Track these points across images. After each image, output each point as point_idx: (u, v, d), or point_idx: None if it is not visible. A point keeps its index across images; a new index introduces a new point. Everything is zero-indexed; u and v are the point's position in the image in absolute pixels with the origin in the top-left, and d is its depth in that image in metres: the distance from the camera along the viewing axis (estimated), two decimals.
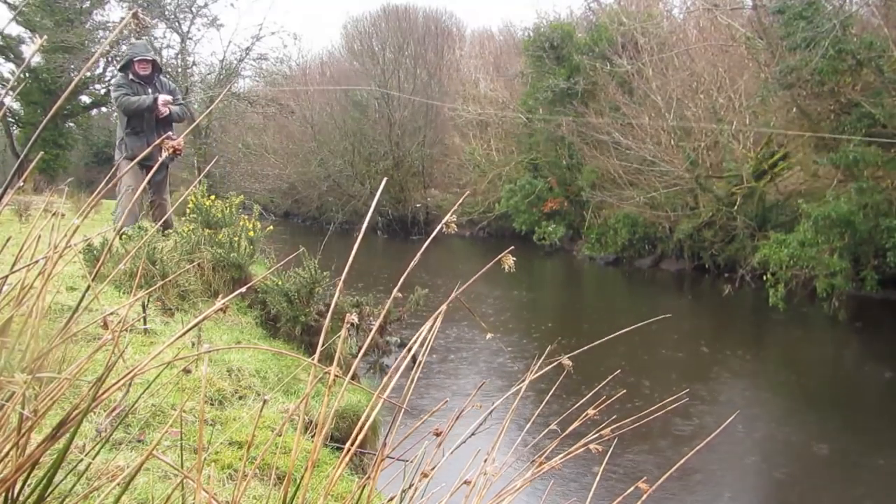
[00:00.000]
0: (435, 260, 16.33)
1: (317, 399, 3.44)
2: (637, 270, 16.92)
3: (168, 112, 6.14)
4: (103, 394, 0.99)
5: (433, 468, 1.12)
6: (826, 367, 8.86)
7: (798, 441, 5.96)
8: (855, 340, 10.23)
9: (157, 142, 1.11)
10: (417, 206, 26.43)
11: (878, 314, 11.18)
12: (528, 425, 1.52)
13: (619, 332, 1.38)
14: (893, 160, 10.64)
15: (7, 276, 1.04)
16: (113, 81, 6.43)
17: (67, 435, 0.97)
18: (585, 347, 1.27)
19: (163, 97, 6.08)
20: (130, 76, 6.14)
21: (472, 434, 1.30)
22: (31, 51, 24.08)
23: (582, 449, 1.24)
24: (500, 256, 1.13)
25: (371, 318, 5.73)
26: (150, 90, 6.16)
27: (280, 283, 5.15)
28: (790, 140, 14.25)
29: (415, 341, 1.10)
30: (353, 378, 1.05)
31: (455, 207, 1.25)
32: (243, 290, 1.28)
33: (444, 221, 1.12)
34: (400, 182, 26.56)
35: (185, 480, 1.10)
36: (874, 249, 11.05)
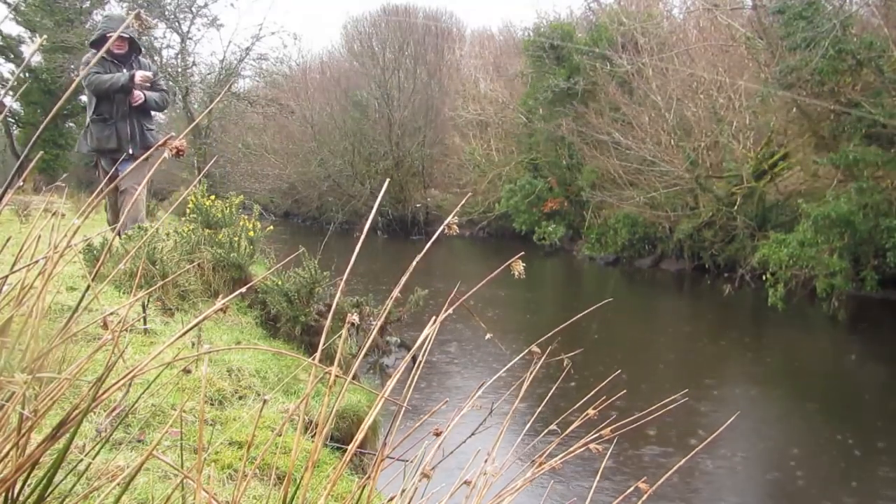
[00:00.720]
0: (435, 260, 16.33)
1: (317, 399, 3.44)
2: (637, 270, 16.91)
3: (143, 98, 5.43)
4: (103, 394, 0.99)
5: (433, 468, 1.13)
6: (826, 366, 8.86)
7: (798, 441, 5.96)
8: (855, 340, 10.22)
9: (159, 143, 1.11)
10: (417, 206, 26.43)
11: (878, 314, 11.18)
12: (528, 425, 1.52)
13: (572, 320, 1.38)
14: (893, 160, 10.64)
15: (7, 276, 1.04)
16: (83, 59, 5.76)
17: (67, 435, 0.97)
18: (558, 328, 1.27)
19: (140, 73, 5.39)
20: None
21: (472, 434, 1.30)
22: (31, 50, 24.08)
23: (582, 449, 1.24)
24: (509, 262, 1.13)
25: (371, 319, 5.73)
26: (124, 71, 5.45)
27: (280, 283, 5.15)
28: (790, 140, 14.26)
29: (419, 343, 1.10)
30: (353, 378, 1.05)
31: (457, 209, 1.25)
32: (243, 290, 1.28)
33: (445, 223, 1.12)
34: (400, 182, 26.56)
35: (185, 480, 1.10)
36: (874, 249, 11.05)
